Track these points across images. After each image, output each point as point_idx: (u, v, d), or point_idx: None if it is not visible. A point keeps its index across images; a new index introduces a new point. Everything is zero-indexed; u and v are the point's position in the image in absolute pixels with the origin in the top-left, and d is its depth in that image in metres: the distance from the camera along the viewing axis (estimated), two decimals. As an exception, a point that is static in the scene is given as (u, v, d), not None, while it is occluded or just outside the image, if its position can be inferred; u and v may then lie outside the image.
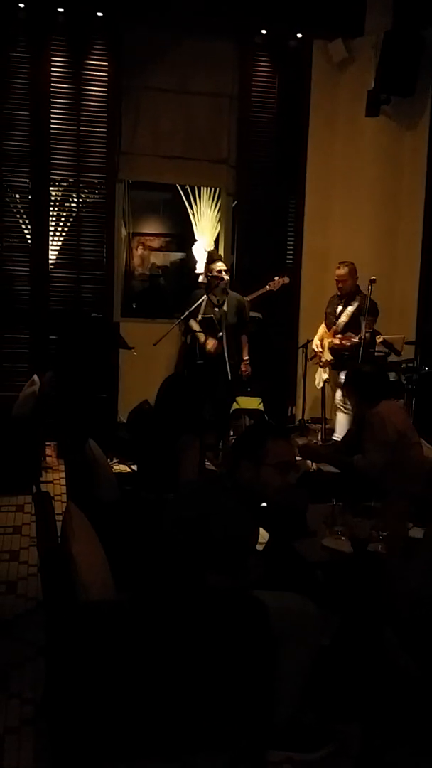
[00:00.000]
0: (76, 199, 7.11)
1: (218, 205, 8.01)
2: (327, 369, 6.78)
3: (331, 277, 7.51)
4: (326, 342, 6.61)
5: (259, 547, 3.58)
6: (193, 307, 6.49)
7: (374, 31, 7.14)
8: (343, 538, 2.96)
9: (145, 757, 2.29)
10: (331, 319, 6.65)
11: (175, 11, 6.80)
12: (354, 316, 6.43)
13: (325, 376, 6.74)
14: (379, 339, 6.62)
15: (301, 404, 7.36)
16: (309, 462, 5.39)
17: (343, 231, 7.54)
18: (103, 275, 7.26)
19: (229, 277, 6.77)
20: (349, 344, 6.36)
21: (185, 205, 8.44)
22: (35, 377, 5.95)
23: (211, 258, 7.08)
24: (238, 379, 6.59)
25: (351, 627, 2.88)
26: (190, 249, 8.82)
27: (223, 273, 6.59)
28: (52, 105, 6.93)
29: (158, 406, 4.19)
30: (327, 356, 6.59)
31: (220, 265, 6.68)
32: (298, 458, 4.31)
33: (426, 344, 6.96)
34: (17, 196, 6.96)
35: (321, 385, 6.82)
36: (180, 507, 2.61)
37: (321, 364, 6.71)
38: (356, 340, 6.28)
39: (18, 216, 6.98)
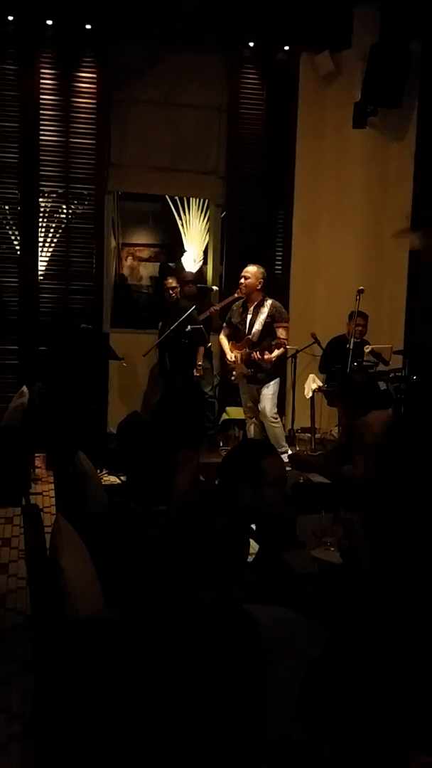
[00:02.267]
0: (65, 211, 7.11)
1: (207, 215, 8.05)
2: (315, 378, 6.79)
3: (321, 286, 7.58)
4: (238, 354, 6.08)
5: (249, 559, 3.58)
6: (181, 318, 6.59)
7: (361, 44, 7.21)
8: (332, 549, 2.96)
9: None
10: (239, 329, 6.12)
11: (163, 24, 6.84)
12: (267, 324, 5.96)
13: (314, 385, 6.75)
14: (367, 349, 6.65)
15: (290, 414, 7.37)
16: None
17: (331, 241, 7.58)
18: (92, 286, 7.27)
19: (180, 291, 6.91)
20: (273, 357, 5.90)
21: (174, 216, 8.47)
22: (24, 388, 5.93)
23: (164, 273, 7.21)
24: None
25: (341, 639, 2.87)
26: (180, 259, 8.85)
27: (170, 290, 6.82)
28: (41, 117, 6.95)
29: (156, 417, 4.17)
30: (243, 369, 6.07)
31: (169, 281, 6.88)
32: (288, 468, 4.32)
33: (414, 353, 6.99)
34: (6, 207, 6.97)
35: (310, 394, 6.83)
36: (171, 522, 2.60)
37: (235, 380, 6.20)
38: (278, 352, 5.89)
39: (7, 227, 6.98)
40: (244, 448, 2.76)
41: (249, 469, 2.62)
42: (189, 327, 6.62)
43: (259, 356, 5.89)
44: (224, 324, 6.33)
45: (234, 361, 6.13)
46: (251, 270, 6.07)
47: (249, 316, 6.09)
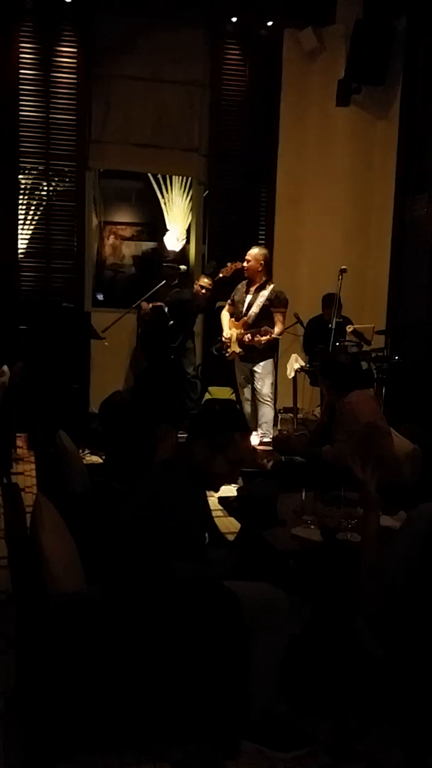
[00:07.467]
0: (45, 188, 7.03)
1: (190, 194, 7.98)
2: (298, 358, 6.79)
3: (304, 265, 7.57)
4: (234, 333, 6.09)
5: (231, 537, 3.60)
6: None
7: (345, 20, 7.15)
8: (312, 527, 2.98)
9: (117, 748, 2.29)
10: (239, 308, 6.11)
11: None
12: (265, 308, 5.96)
13: (297, 365, 6.74)
14: (349, 329, 6.65)
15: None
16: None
17: (314, 220, 7.56)
18: (73, 264, 7.20)
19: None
20: (263, 341, 5.87)
21: (156, 194, 8.39)
22: (5, 368, 5.88)
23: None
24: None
25: (322, 615, 2.90)
26: (162, 238, 8.79)
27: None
28: (21, 92, 6.85)
29: (135, 395, 4.17)
30: (235, 348, 6.07)
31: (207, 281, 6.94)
32: (269, 449, 4.34)
33: (396, 334, 7.01)
34: (-15, 184, 6.87)
35: (292, 374, 6.83)
36: (138, 494, 2.60)
37: (229, 356, 6.17)
38: (268, 337, 5.86)
39: (-14, 204, 6.89)
40: (225, 412, 2.75)
41: (216, 430, 2.63)
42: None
43: (249, 338, 5.93)
44: (228, 301, 6.30)
45: (229, 338, 6.13)
46: (252, 253, 6.09)
47: (249, 297, 6.08)
